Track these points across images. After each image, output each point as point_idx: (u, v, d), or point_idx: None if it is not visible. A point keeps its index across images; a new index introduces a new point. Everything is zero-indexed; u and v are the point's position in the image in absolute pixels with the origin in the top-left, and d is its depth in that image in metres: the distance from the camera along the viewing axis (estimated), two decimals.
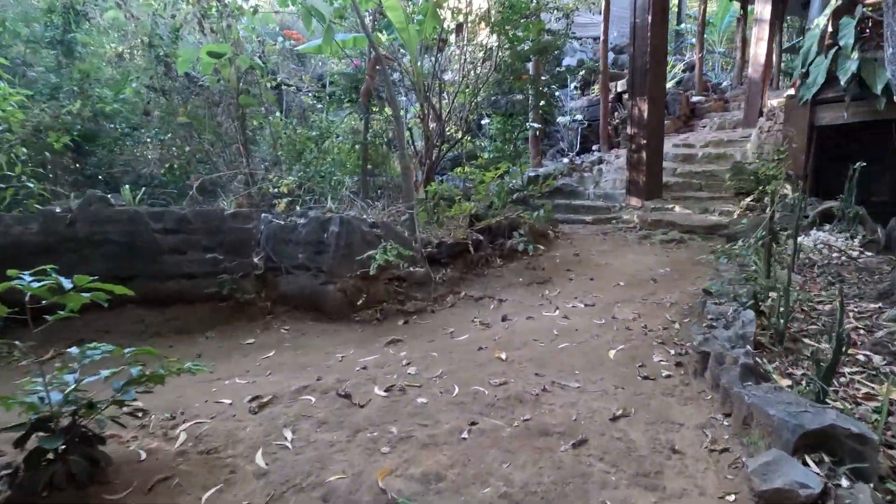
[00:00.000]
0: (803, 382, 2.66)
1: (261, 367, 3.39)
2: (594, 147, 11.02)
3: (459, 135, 8.76)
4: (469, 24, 8.19)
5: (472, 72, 8.05)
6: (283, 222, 4.21)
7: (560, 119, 10.25)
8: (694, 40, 14.23)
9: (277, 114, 8.23)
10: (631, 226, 7.58)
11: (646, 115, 7.86)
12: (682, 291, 4.47)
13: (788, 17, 14.61)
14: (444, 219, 5.54)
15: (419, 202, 5.17)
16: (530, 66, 9.17)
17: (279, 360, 3.47)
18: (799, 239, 5.52)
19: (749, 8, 12.05)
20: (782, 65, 15.57)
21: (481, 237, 5.57)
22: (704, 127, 10.41)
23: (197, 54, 5.45)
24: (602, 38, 10.40)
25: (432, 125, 7.89)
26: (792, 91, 9.26)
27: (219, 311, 4.01)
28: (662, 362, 3.11)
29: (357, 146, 7.83)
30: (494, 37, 7.28)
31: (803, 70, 6.02)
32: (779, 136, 7.65)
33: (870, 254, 5.17)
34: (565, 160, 10.26)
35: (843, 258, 5.04)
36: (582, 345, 3.41)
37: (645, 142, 7.94)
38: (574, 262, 5.66)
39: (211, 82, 6.40)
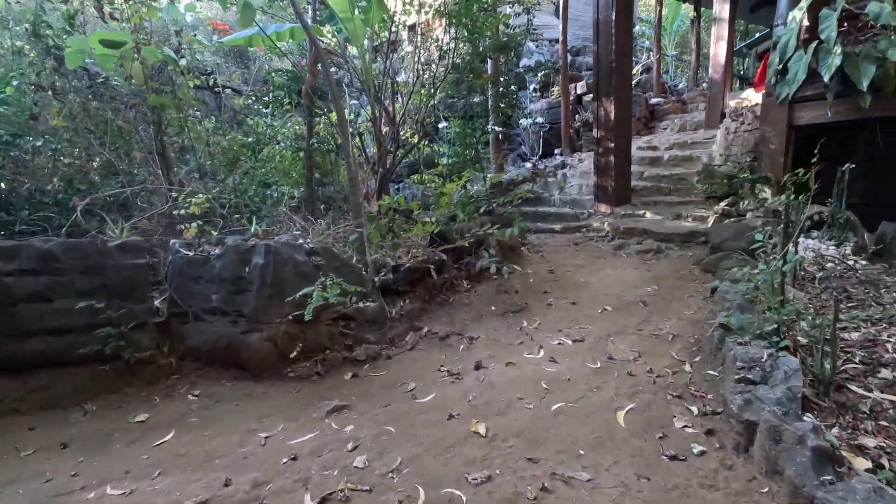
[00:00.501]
0: (885, 461, 1.97)
1: (150, 462, 2.40)
2: (556, 151, 10.42)
3: (416, 139, 7.92)
4: (424, 19, 7.37)
5: (427, 70, 7.22)
6: (191, 254, 3.21)
7: (522, 122, 9.58)
8: (648, 42, 13.99)
9: (212, 119, 7.11)
10: (602, 234, 6.95)
11: (612, 116, 7.27)
12: (679, 318, 3.78)
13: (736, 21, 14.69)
14: (401, 236, 4.66)
15: (370, 219, 4.27)
16: (489, 65, 8.45)
17: (177, 449, 2.49)
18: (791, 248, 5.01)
19: (702, 9, 11.84)
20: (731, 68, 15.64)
21: (444, 257, 4.73)
22: (666, 129, 10.01)
23: (87, 44, 4.34)
24: (561, 37, 9.81)
25: (385, 129, 7.01)
26: (752, 92, 9.02)
27: (102, 376, 2.97)
28: (688, 429, 2.35)
29: (302, 153, 6.84)
30: (452, 30, 6.48)
31: (780, 66, 5.53)
32: (747, 138, 7.23)
33: (864, 262, 4.69)
34: (528, 165, 9.59)
35: (841, 269, 4.53)
36: (581, 403, 2.62)
37: (613, 144, 7.34)
38: (550, 282, 4.91)
39: (118, 79, 5.28)
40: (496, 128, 8.92)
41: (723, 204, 6.51)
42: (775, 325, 2.84)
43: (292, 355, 3.12)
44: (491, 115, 9.06)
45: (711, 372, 2.86)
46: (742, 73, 13.73)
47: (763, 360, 2.50)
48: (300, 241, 3.51)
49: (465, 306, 4.27)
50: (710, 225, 6.36)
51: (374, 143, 6.72)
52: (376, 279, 3.87)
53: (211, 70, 8.73)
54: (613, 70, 7.17)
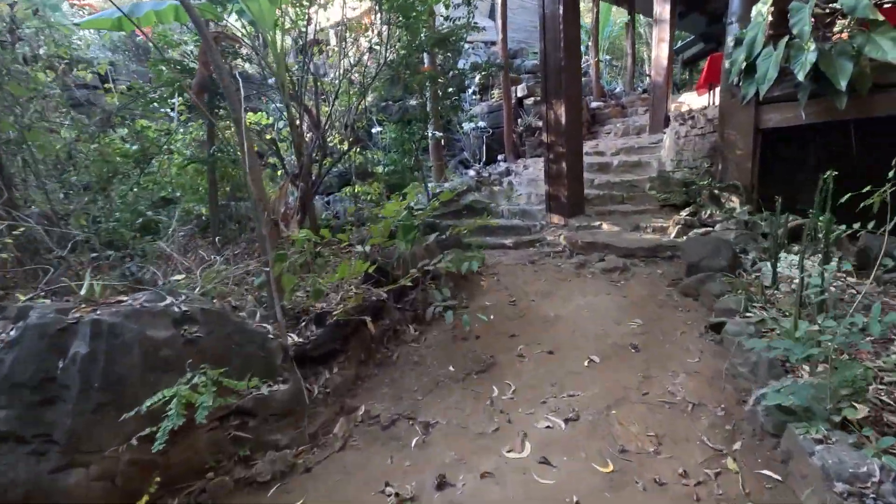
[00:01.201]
0: None
1: None
2: (499, 157, 9.59)
3: (346, 146, 6.73)
4: (354, 11, 6.21)
5: (357, 67, 6.06)
6: None
7: (465, 125, 8.65)
8: (583, 46, 13.59)
9: (79, 121, 5.51)
10: (559, 250, 6.12)
11: (563, 119, 6.49)
12: (685, 370, 2.93)
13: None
14: (325, 278, 3.50)
15: (279, 258, 3.06)
16: (426, 62, 7.43)
17: None
18: (771, 266, 4.39)
19: (636, 13, 11.53)
20: (644, 71, 15.67)
21: (385, 296, 3.63)
22: (609, 133, 9.47)
23: None
24: (500, 34, 8.99)
25: (309, 135, 5.77)
26: (695, 96, 8.67)
27: None
28: None
29: (206, 164, 5.45)
30: (383, 15, 5.37)
31: (744, 65, 4.93)
32: (700, 142, 6.72)
33: (852, 280, 4.14)
34: (471, 172, 8.66)
35: (836, 289, 3.94)
36: None
37: (564, 150, 6.56)
38: (515, 319, 3.95)
39: None
40: (436, 132, 7.91)
41: (684, 213, 5.89)
42: (857, 407, 2.01)
43: (146, 495, 1.91)
44: (430, 118, 8.03)
45: (769, 473, 1.98)
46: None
47: (874, 477, 1.64)
48: (166, 301, 2.28)
49: (415, 366, 3.19)
50: (673, 237, 5.72)
51: (295, 152, 5.47)
52: (290, 343, 2.70)
53: (97, 63, 7.02)
54: (563, 68, 6.38)
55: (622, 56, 17.30)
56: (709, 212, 5.69)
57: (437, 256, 4.22)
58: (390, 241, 3.92)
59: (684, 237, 5.63)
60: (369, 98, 11.37)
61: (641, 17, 13.34)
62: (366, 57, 6.24)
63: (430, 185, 8.20)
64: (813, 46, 4.30)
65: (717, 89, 7.39)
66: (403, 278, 3.58)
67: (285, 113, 6.35)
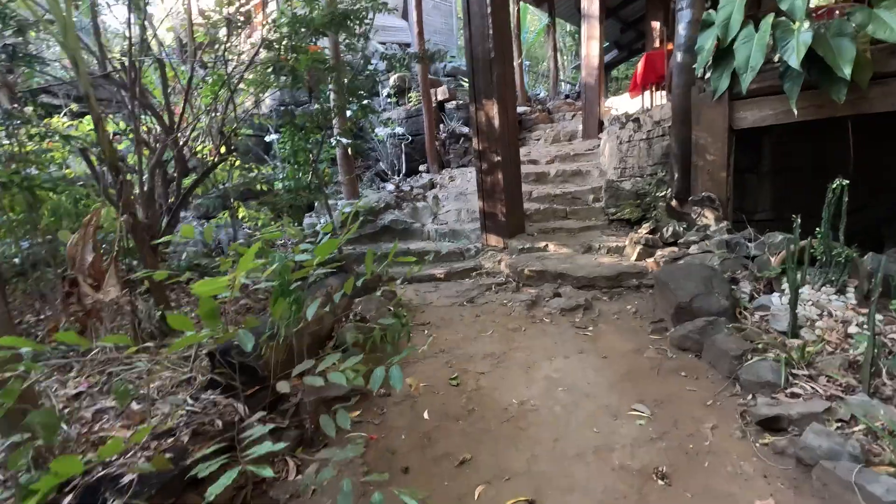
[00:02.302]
0: None
1: None
2: (421, 168, 8.16)
3: (229, 156, 4.90)
4: None
5: (225, 53, 4.29)
6: None
7: (379, 131, 7.11)
8: None
9: None
10: (501, 281, 4.79)
11: (497, 121, 5.19)
12: None
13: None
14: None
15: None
16: (328, 50, 5.82)
17: None
18: (783, 301, 3.34)
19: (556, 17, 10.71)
20: (564, 76, 15.17)
21: (242, 408, 2.01)
22: (539, 140, 8.42)
23: None
24: (416, 28, 7.59)
25: (165, 145, 3.92)
26: (627, 98, 7.81)
27: None
28: None
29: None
30: None
31: (717, 51, 3.92)
32: (646, 148, 5.75)
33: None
34: (389, 186, 7.14)
35: (866, 332, 2.94)
36: None
37: (499, 158, 5.27)
38: (461, 416, 2.49)
39: None
40: (343, 139, 6.28)
41: (643, 231, 4.82)
42: None
43: None
44: (335, 122, 6.39)
45: None
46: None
47: None
48: None
49: None
50: (634, 260, 4.60)
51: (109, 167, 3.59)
52: None
53: None
54: (493, 61, 5.09)
55: (539, 63, 16.76)
56: (671, 229, 4.65)
57: (351, 311, 2.65)
58: (255, 321, 2.29)
59: (647, 260, 4.53)
60: (268, 101, 9.44)
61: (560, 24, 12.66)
62: (234, 41, 4.50)
63: (340, 202, 6.55)
64: (807, 25, 3.32)
65: (662, 90, 6.55)
66: (281, 385, 1.98)
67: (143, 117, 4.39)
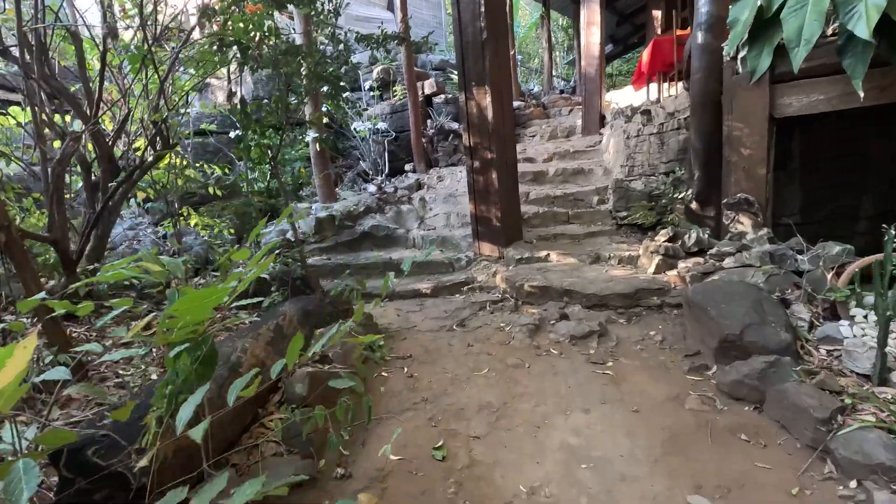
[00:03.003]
0: None
1: None
2: (407, 167, 7.37)
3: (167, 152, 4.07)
4: None
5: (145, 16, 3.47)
6: None
7: (358, 125, 6.29)
8: None
9: None
10: (497, 299, 4.02)
11: (490, 113, 4.43)
12: None
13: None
14: None
15: None
16: (297, 31, 5.04)
17: None
18: (866, 336, 2.59)
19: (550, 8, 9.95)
20: (556, 73, 14.42)
21: None
22: (535, 136, 7.67)
23: None
24: (401, 14, 6.79)
25: (74, 139, 3.11)
26: (639, 87, 7.06)
27: None
28: None
29: None
30: None
31: (754, 25, 3.19)
32: (657, 143, 5.02)
33: None
34: (371, 188, 6.34)
35: None
36: None
37: (493, 156, 4.50)
38: None
39: None
40: (313, 134, 5.48)
41: (661, 239, 4.08)
42: None
43: None
44: (308, 116, 5.58)
45: None
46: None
47: None
48: None
49: None
50: (652, 273, 3.87)
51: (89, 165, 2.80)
52: None
53: None
54: (486, 43, 4.33)
55: (530, 59, 16.03)
56: (694, 236, 3.92)
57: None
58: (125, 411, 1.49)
59: (668, 273, 3.80)
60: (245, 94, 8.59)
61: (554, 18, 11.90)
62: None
63: (315, 206, 5.75)
64: None
65: (672, 81, 5.83)
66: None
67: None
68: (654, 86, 6.45)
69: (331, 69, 4.10)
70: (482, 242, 4.75)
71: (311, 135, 5.41)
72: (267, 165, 3.96)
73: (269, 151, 3.73)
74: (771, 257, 3.14)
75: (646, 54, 6.31)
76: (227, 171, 5.84)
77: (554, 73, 11.32)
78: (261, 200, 5.73)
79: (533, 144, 7.30)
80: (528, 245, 4.72)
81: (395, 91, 7.99)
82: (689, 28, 7.12)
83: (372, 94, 8.01)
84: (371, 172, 7.14)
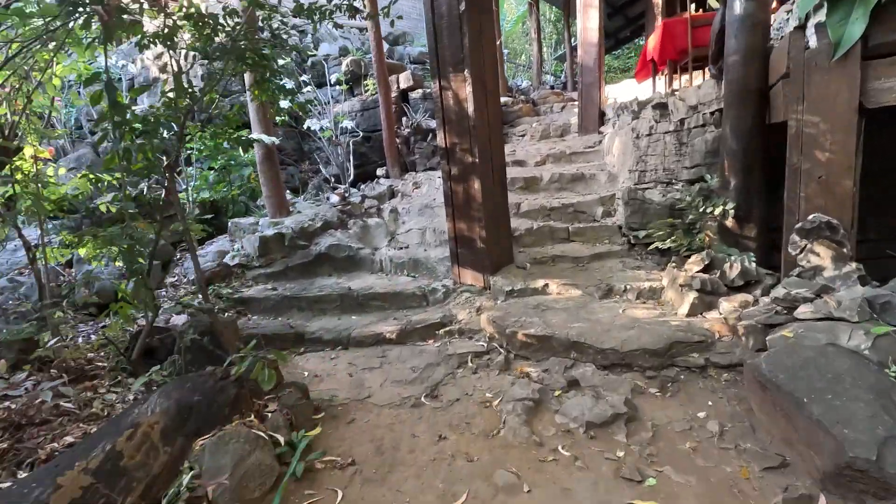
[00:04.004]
0: None
1: None
2: (379, 172, 6.29)
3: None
4: None
5: None
6: None
7: (312, 124, 5.16)
8: None
9: None
10: (481, 349, 2.97)
11: (471, 106, 3.37)
12: None
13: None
14: None
15: None
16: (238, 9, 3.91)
17: None
18: None
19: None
20: (545, 68, 13.37)
21: None
22: (524, 136, 6.64)
23: None
24: None
25: None
26: (643, 79, 5.95)
27: None
28: None
29: None
30: None
31: None
32: (670, 143, 4.01)
33: None
34: (333, 198, 5.24)
35: None
36: None
37: (477, 160, 3.44)
38: None
39: None
40: (264, 138, 4.38)
41: (693, 267, 3.07)
42: None
43: None
44: (253, 113, 4.48)
45: None
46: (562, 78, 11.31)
47: None
48: None
49: None
50: (685, 315, 2.86)
51: None
52: None
53: None
54: (464, 17, 3.27)
55: (517, 56, 14.99)
56: (737, 265, 2.92)
57: None
58: None
59: (707, 315, 2.80)
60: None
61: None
62: None
63: (263, 221, 4.64)
64: None
65: (685, 72, 4.83)
66: None
67: None
68: (652, 79, 5.47)
69: (261, 48, 3.00)
70: (463, 268, 3.69)
71: (263, 139, 4.31)
72: (146, 172, 2.82)
73: (165, 157, 2.62)
74: (870, 305, 2.14)
75: (652, 40, 5.31)
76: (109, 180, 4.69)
77: (543, 69, 10.31)
78: (111, 233, 4.60)
79: (523, 145, 6.27)
80: (521, 271, 3.68)
81: (367, 86, 6.89)
82: (700, 10, 6.14)
83: (340, 88, 6.90)
84: (335, 179, 6.04)
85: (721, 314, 2.78)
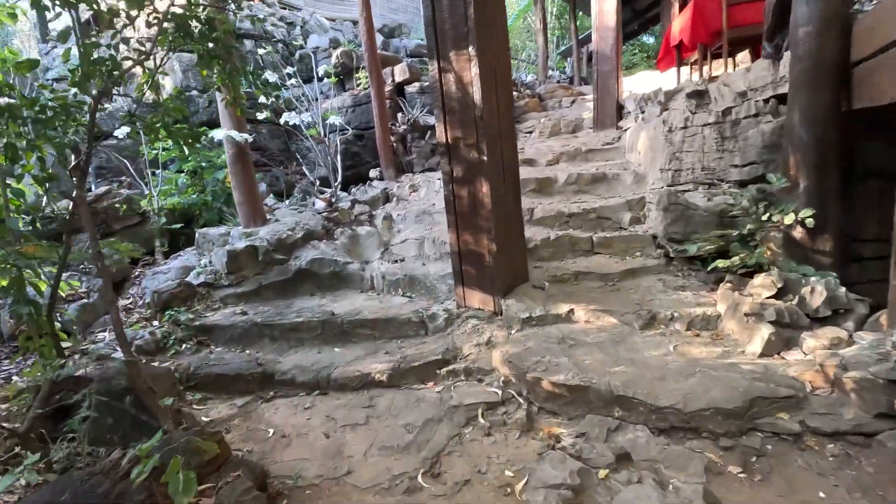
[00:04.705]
0: None
1: None
2: (372, 174, 5.60)
3: None
4: None
5: None
6: None
7: (290, 118, 4.46)
8: None
9: None
10: (495, 398, 2.28)
11: (476, 90, 2.68)
12: None
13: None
14: None
15: None
16: None
17: None
18: None
19: None
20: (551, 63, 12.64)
21: None
22: (532, 132, 5.95)
23: None
24: None
25: None
26: (666, 68, 5.17)
27: None
28: None
29: None
30: None
31: None
32: (711, 137, 3.33)
33: None
34: (319, 203, 4.55)
35: None
36: None
37: (485, 157, 2.76)
38: None
39: None
40: (233, 133, 3.69)
41: (763, 292, 2.39)
42: None
43: None
44: (222, 106, 3.81)
45: None
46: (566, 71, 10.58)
47: None
48: None
49: None
50: (757, 355, 2.17)
51: None
52: None
53: None
54: None
55: (519, 52, 14.31)
56: (820, 290, 2.24)
57: None
58: None
59: (787, 356, 2.12)
60: (167, 85, 6.71)
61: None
62: None
63: (235, 231, 3.96)
64: None
65: (717, 57, 4.16)
66: None
67: None
68: (676, 68, 4.80)
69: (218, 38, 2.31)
70: (469, 289, 3.01)
71: (219, 133, 3.62)
72: (48, 176, 2.15)
73: (73, 155, 1.93)
74: None
75: (679, 22, 4.64)
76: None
77: (549, 64, 9.63)
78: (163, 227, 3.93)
79: (531, 142, 5.59)
80: (539, 293, 3.00)
81: (359, 79, 6.21)
82: None
83: (329, 82, 6.21)
84: (322, 182, 5.35)
85: (807, 355, 2.10)
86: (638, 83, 6.06)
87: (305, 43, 7.13)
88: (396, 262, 3.82)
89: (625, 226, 3.61)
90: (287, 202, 5.33)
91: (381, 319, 3.03)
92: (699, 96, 3.58)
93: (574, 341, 2.49)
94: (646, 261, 3.24)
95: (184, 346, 3.06)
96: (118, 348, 2.91)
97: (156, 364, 2.86)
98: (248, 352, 3.03)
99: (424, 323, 3.00)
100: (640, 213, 3.66)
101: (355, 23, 9.06)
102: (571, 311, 2.76)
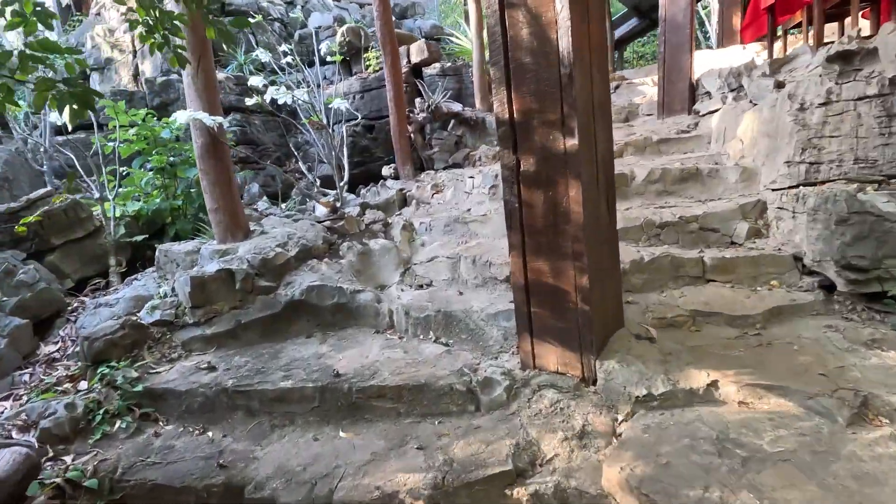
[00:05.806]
0: None
1: None
2: (385, 171, 4.55)
3: None
4: None
5: None
6: None
7: (277, 95, 3.40)
8: None
9: None
10: None
11: (564, 35, 1.62)
12: None
13: None
14: None
15: None
16: None
17: None
18: None
19: None
20: None
21: None
22: None
23: None
24: None
25: None
26: (752, 38, 3.94)
27: None
28: None
29: None
30: None
31: None
32: (871, 116, 2.24)
33: None
34: (320, 209, 3.50)
35: None
36: None
37: (575, 142, 1.70)
38: None
39: None
40: (202, 116, 2.63)
41: None
42: None
43: None
44: (188, 78, 2.75)
45: None
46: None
47: None
48: None
49: None
50: None
51: None
52: None
53: None
54: None
55: None
56: None
57: None
58: None
59: None
60: (148, 69, 5.67)
61: None
62: None
63: (207, 248, 2.90)
64: None
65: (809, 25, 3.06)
66: None
67: None
68: (770, 37, 3.72)
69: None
70: (542, 342, 1.95)
71: (183, 115, 2.58)
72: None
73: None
74: None
75: None
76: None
77: None
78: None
79: None
80: (648, 347, 1.93)
81: (369, 60, 5.14)
82: None
83: (334, 62, 5.15)
84: (321, 181, 4.30)
85: None
86: (716, 58, 4.87)
87: (307, 22, 6.08)
88: (422, 287, 2.77)
89: (739, 240, 2.54)
90: (282, 207, 4.29)
91: (407, 387, 1.98)
92: (846, 60, 2.50)
93: (741, 446, 1.44)
94: (792, 294, 2.17)
95: (117, 424, 2.03)
96: (13, 431, 1.89)
97: (68, 459, 1.83)
98: (210, 434, 2.00)
99: (474, 394, 1.94)
100: (759, 221, 2.60)
101: (362, 5, 8.01)
102: (713, 384, 1.70)
